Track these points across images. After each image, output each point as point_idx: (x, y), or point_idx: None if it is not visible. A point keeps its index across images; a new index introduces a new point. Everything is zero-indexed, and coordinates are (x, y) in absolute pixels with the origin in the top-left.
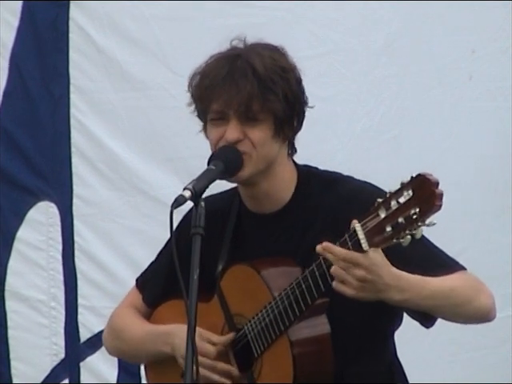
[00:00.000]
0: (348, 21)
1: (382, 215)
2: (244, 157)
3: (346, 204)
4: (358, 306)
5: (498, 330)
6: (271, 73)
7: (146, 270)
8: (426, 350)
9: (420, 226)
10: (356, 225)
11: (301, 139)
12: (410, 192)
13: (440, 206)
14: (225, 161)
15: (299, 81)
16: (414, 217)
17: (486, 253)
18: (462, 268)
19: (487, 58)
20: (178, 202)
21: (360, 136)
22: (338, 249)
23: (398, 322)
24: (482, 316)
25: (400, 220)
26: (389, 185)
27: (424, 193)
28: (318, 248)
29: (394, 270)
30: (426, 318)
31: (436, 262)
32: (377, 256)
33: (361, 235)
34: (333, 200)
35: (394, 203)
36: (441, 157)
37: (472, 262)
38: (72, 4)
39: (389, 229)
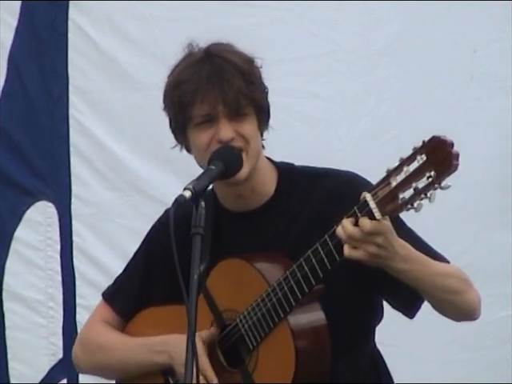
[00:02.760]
0: (348, 21)
1: (394, 183)
2: (243, 157)
3: (335, 197)
4: (344, 300)
5: (499, 330)
6: (247, 65)
7: (114, 283)
8: (427, 350)
9: (436, 189)
10: (367, 195)
11: (301, 139)
12: (424, 156)
13: (457, 165)
14: (225, 161)
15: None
16: (430, 179)
17: (487, 253)
18: (449, 262)
19: (488, 57)
20: (178, 201)
21: (361, 136)
22: (365, 222)
23: (380, 315)
24: (469, 311)
25: (414, 185)
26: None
27: (440, 154)
28: (338, 230)
29: (401, 239)
30: (409, 308)
31: (426, 250)
32: (389, 223)
33: (372, 204)
34: (320, 195)
35: (406, 169)
36: None
37: (473, 261)
38: (71, 4)
39: (402, 196)
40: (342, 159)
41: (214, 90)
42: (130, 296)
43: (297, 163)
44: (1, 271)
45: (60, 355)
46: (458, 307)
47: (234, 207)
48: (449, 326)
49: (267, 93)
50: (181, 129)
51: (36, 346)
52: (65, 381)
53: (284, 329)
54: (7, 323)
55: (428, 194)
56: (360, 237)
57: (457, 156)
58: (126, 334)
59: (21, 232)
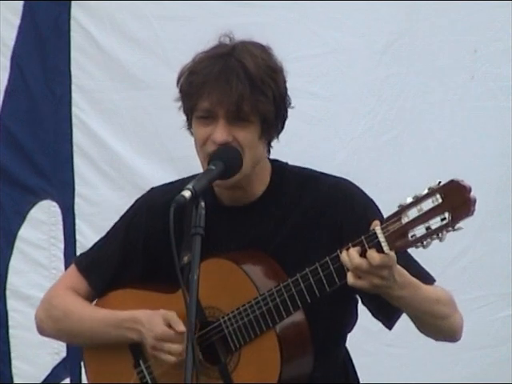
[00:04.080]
0: (350, 20)
1: (405, 219)
2: (242, 158)
3: (324, 201)
4: (327, 305)
5: (499, 330)
6: (262, 73)
7: (91, 254)
8: (427, 350)
9: (449, 231)
10: (376, 228)
11: (302, 139)
12: (439, 197)
13: (474, 211)
14: (225, 161)
15: (285, 82)
16: (444, 222)
17: (487, 253)
18: (435, 280)
19: (489, 57)
20: (178, 201)
21: (361, 135)
22: (374, 255)
23: (354, 322)
24: (451, 335)
25: (426, 225)
26: (390, 184)
27: (457, 199)
28: (343, 256)
29: (399, 267)
30: (388, 318)
31: (417, 272)
32: (394, 255)
33: (381, 238)
34: (310, 197)
35: (419, 207)
36: (442, 156)
37: (473, 261)
38: (73, 3)
39: (412, 233)
40: (342, 159)
41: (219, 89)
42: (107, 273)
43: (297, 163)
44: (5, 270)
45: (63, 354)
46: (442, 331)
47: (226, 201)
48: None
49: (283, 105)
50: (187, 113)
51: (39, 345)
52: (68, 379)
53: (270, 334)
54: (11, 322)
55: (440, 235)
56: (366, 269)
57: (474, 202)
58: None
59: (25, 231)
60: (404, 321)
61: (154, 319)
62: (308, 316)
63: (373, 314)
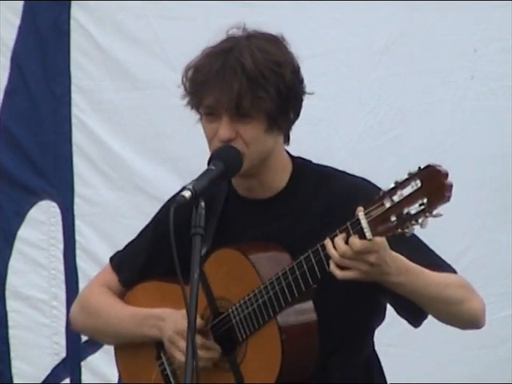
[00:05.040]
0: (350, 20)
1: (387, 205)
2: (243, 158)
3: (341, 200)
4: (345, 301)
5: (499, 330)
6: (262, 68)
7: (123, 250)
8: (427, 350)
9: (427, 217)
10: (360, 213)
11: (303, 138)
12: (418, 182)
13: (449, 197)
14: (225, 161)
15: (296, 71)
16: (422, 207)
17: (487, 252)
18: (455, 271)
19: (489, 57)
20: (178, 202)
21: (362, 135)
22: (355, 241)
23: (381, 319)
24: (472, 320)
25: (406, 210)
26: (390, 184)
27: (433, 184)
28: (327, 243)
29: (394, 253)
30: (415, 317)
31: (430, 261)
32: (383, 240)
33: (364, 224)
34: (328, 195)
35: (400, 193)
36: (442, 156)
37: (473, 261)
38: (73, 3)
39: (393, 218)
40: (342, 159)
41: (218, 87)
42: (136, 269)
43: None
44: (4, 270)
45: (63, 354)
46: (461, 317)
47: (243, 193)
48: (449, 326)
49: (292, 96)
50: (195, 108)
51: (39, 345)
52: (68, 380)
53: (272, 325)
54: (10, 322)
55: (419, 221)
56: (351, 255)
57: (450, 187)
58: (125, 302)
59: (24, 231)
60: (403, 321)
61: (177, 316)
62: (324, 311)
63: (398, 313)
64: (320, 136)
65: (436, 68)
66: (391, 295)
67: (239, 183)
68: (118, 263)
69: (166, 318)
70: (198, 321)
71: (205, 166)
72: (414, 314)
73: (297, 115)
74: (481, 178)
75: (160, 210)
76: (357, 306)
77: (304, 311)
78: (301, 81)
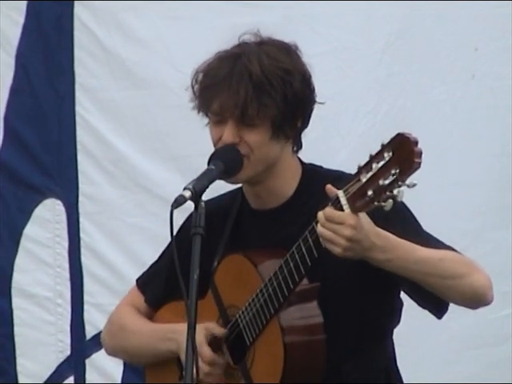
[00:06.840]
0: (351, 19)
1: (364, 179)
2: (243, 158)
3: None
4: (354, 301)
5: (499, 329)
6: (270, 75)
7: (147, 270)
8: (427, 350)
9: (400, 187)
10: (339, 191)
11: (303, 137)
12: (390, 153)
13: (419, 163)
14: (225, 161)
15: (306, 80)
16: (394, 177)
17: (487, 251)
18: (455, 250)
19: (490, 56)
20: (178, 201)
21: (363, 134)
22: (326, 210)
23: (397, 319)
24: (477, 295)
25: (381, 182)
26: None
27: (403, 152)
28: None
29: (379, 230)
30: (437, 307)
31: (424, 240)
32: (363, 216)
33: (343, 201)
34: None
35: (374, 166)
36: (443, 155)
37: (473, 260)
38: (77, 3)
39: (370, 192)
40: (343, 158)
41: (224, 93)
42: (160, 288)
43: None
44: (10, 268)
45: (68, 352)
46: (462, 292)
47: (254, 205)
48: (449, 325)
49: (301, 104)
50: (202, 112)
51: (44, 343)
52: (72, 378)
53: (275, 325)
54: (15, 320)
55: (394, 192)
56: (324, 223)
57: (419, 154)
58: (154, 322)
59: (30, 229)
60: (404, 321)
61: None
62: (337, 314)
63: (420, 305)
64: (321, 135)
65: (437, 67)
66: (409, 286)
67: (248, 192)
68: (143, 283)
69: (181, 332)
70: (220, 329)
71: None
72: (435, 305)
73: (306, 124)
74: (481, 177)
75: (180, 230)
76: (369, 305)
77: (307, 311)
78: (311, 90)
